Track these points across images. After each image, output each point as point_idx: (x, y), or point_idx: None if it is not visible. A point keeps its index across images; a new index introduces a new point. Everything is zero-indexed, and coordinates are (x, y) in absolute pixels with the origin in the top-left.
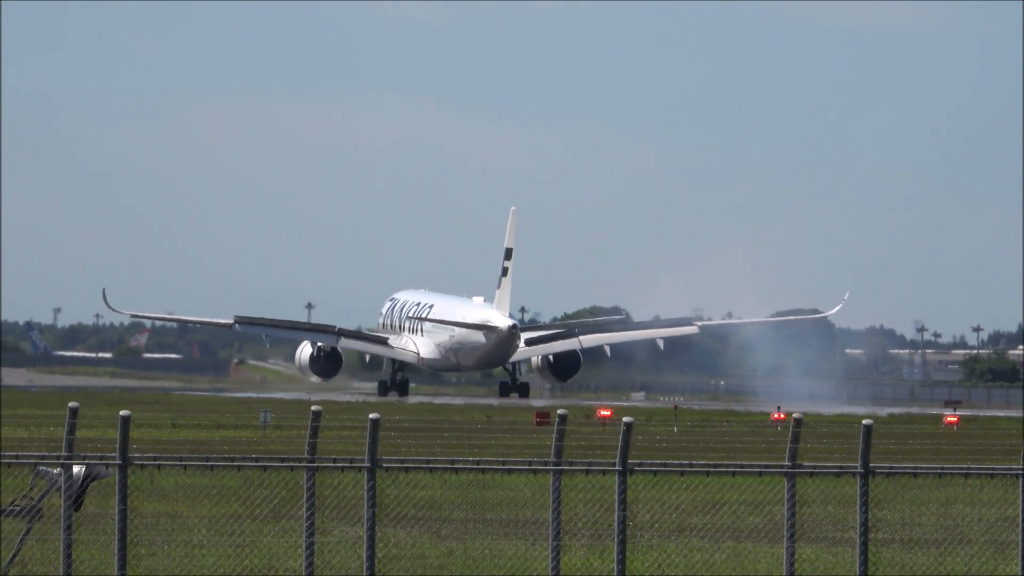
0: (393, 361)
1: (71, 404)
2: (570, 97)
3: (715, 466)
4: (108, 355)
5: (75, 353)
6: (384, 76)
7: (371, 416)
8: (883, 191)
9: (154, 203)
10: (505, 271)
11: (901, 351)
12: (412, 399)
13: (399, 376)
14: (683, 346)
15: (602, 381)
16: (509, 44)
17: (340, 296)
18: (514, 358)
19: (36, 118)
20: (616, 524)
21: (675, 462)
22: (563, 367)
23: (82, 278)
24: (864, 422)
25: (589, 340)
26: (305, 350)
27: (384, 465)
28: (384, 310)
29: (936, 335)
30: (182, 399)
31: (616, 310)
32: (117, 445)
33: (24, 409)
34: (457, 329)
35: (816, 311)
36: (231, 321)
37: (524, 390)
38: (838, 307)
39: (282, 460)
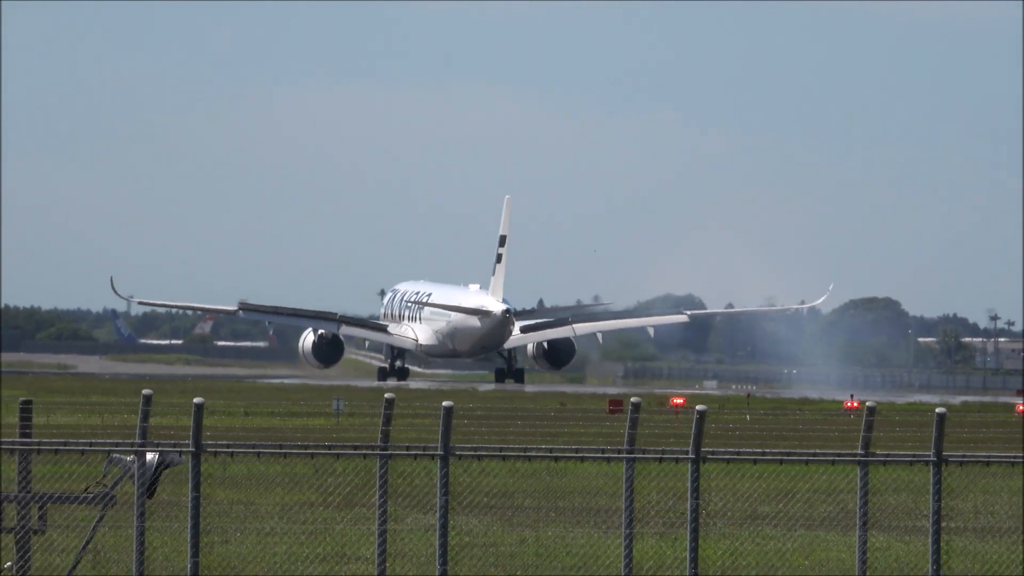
0: (392, 348)
1: (145, 391)
2: (571, 87)
3: (788, 454)
4: (179, 342)
5: (156, 341)
6: (375, 66)
7: (444, 404)
8: (959, 180)
9: (158, 194)
10: (499, 258)
11: (974, 339)
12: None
13: (398, 363)
14: (755, 334)
15: (675, 369)
16: (497, 30)
17: (346, 285)
18: (509, 345)
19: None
20: (689, 512)
21: (748, 450)
22: (557, 354)
23: (149, 266)
24: (937, 411)
25: (582, 328)
26: (308, 338)
27: (457, 453)
28: (385, 300)
29: (1009, 323)
30: (255, 387)
31: (597, 299)
32: (191, 432)
33: (97, 396)
34: (453, 315)
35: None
36: (235, 308)
37: (519, 376)
38: (823, 297)
39: (355, 448)
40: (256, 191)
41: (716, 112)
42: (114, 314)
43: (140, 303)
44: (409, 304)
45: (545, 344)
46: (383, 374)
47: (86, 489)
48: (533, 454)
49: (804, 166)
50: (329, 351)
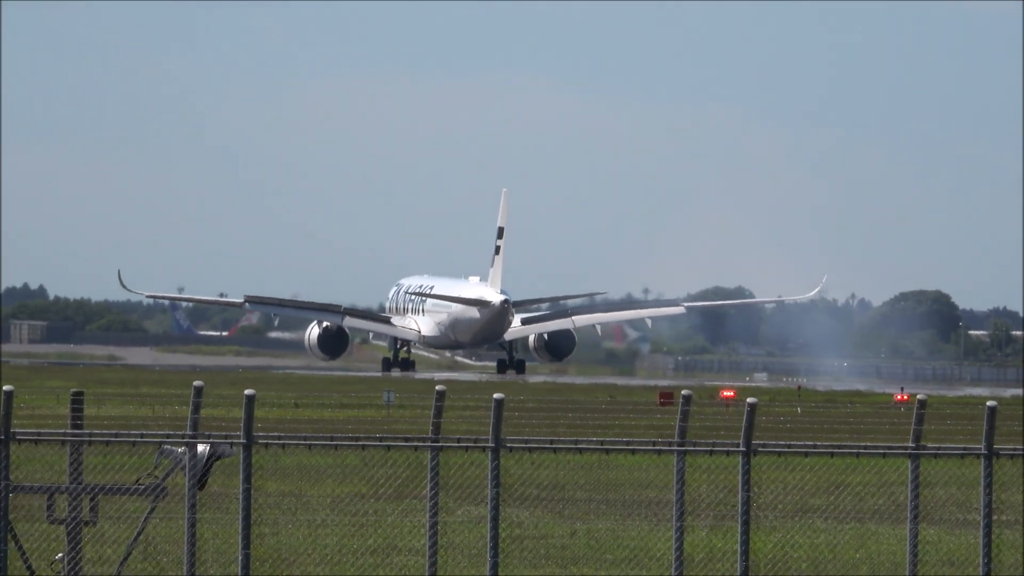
0: (396, 339)
1: (196, 383)
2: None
3: (838, 447)
4: (226, 333)
5: (212, 332)
6: (372, 59)
7: (495, 396)
8: (1011, 173)
9: (169, 189)
10: (497, 250)
11: None
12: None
13: (402, 354)
14: (805, 326)
15: (725, 362)
16: (499, 27)
17: (354, 277)
18: (510, 337)
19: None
20: (740, 504)
21: (799, 443)
22: (557, 346)
23: (203, 258)
24: (988, 404)
25: (582, 320)
26: (314, 330)
27: (508, 445)
28: (391, 294)
29: None
30: (306, 378)
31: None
32: (242, 424)
33: (148, 388)
34: (454, 306)
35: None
36: (242, 300)
37: (520, 367)
38: (815, 290)
39: (406, 440)
40: (262, 185)
41: (749, 102)
42: (174, 306)
43: (148, 296)
44: (412, 297)
45: (545, 336)
46: (387, 364)
47: (137, 480)
48: (584, 446)
49: (849, 157)
50: (335, 343)
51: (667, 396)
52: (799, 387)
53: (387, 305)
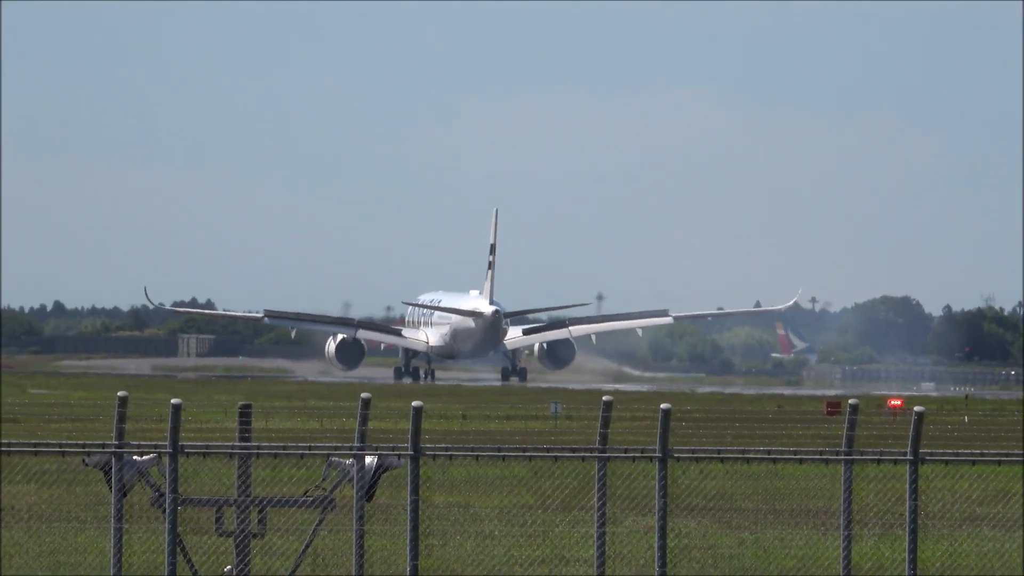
0: (406, 350)
1: (363, 395)
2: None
3: (1006, 455)
4: None
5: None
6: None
7: (662, 406)
8: None
9: (190, 201)
10: (490, 264)
11: None
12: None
13: (412, 364)
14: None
15: (892, 371)
16: (503, 31)
17: (370, 290)
18: (511, 346)
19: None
20: (907, 513)
21: (966, 451)
22: (557, 355)
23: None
24: None
25: (578, 330)
26: (331, 343)
27: (675, 455)
28: (409, 309)
29: None
30: (473, 390)
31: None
32: (409, 436)
33: (315, 401)
34: (454, 317)
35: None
36: (262, 315)
37: (523, 375)
38: (792, 301)
39: (573, 450)
40: (273, 198)
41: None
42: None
43: (172, 310)
44: (423, 310)
45: (545, 345)
46: (398, 373)
47: (306, 493)
48: (751, 456)
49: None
50: (351, 354)
51: (834, 405)
52: (966, 396)
53: (407, 318)
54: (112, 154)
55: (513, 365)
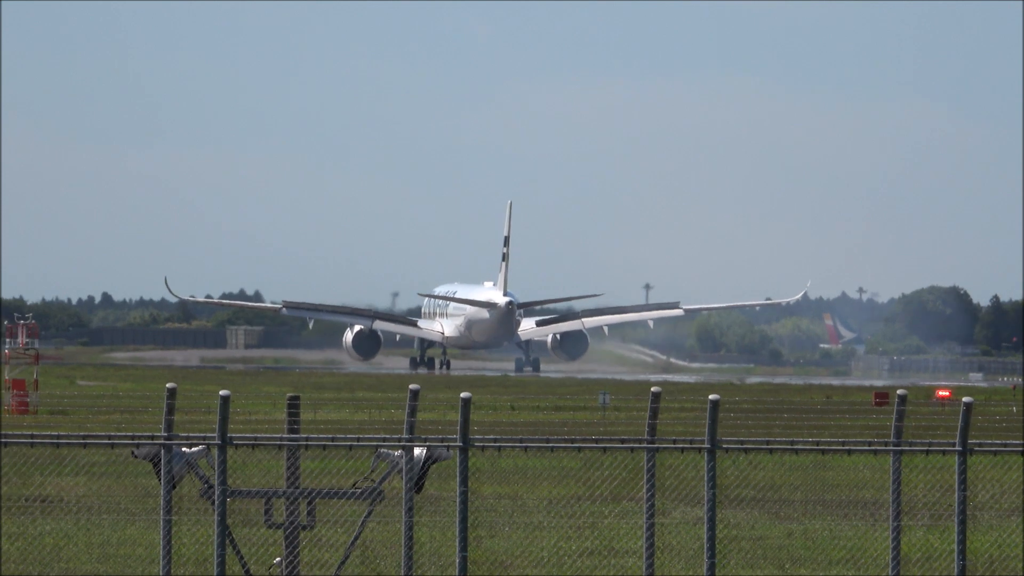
0: (422, 340)
1: (412, 386)
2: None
3: None
4: None
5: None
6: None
7: (711, 397)
8: None
9: (208, 198)
10: (504, 256)
11: None
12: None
13: (427, 354)
14: (1021, 326)
15: (940, 362)
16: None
17: (387, 282)
18: (526, 337)
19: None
20: (956, 504)
21: (1015, 442)
22: (571, 345)
23: (423, 262)
24: None
25: (591, 322)
26: (348, 334)
27: (724, 446)
28: (425, 301)
29: None
30: (521, 380)
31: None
32: (458, 427)
33: (363, 392)
34: (468, 308)
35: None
36: (280, 305)
37: (536, 365)
38: (800, 294)
39: (622, 441)
40: (293, 193)
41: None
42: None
43: (192, 301)
44: (439, 302)
45: (559, 336)
46: (414, 363)
47: (354, 484)
48: (800, 447)
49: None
50: (368, 345)
51: (882, 396)
52: (1015, 386)
53: (423, 310)
54: (161, 151)
55: (527, 355)
